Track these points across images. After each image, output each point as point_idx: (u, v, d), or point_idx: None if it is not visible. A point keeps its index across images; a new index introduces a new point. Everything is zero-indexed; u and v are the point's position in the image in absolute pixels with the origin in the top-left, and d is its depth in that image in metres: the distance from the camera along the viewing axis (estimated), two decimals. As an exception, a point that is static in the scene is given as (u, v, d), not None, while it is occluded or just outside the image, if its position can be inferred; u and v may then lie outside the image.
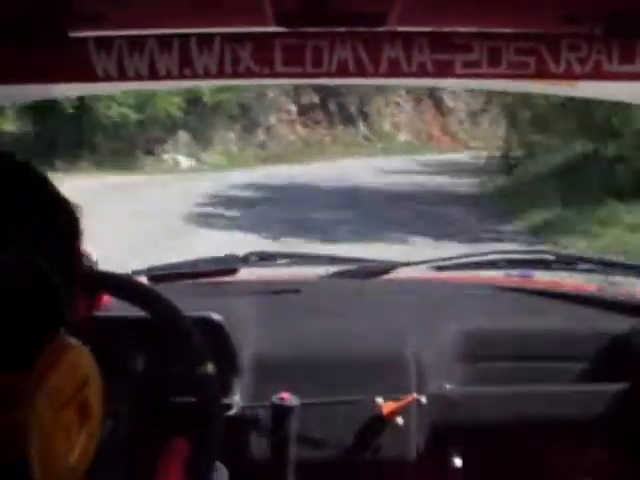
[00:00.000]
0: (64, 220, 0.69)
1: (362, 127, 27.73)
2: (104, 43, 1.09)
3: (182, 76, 1.10)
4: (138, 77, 1.10)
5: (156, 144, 19.53)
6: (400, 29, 1.10)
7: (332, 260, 1.93)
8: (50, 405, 0.59)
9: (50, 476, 0.59)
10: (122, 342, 1.35)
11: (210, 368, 1.18)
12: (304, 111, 25.26)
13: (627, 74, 1.09)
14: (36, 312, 0.60)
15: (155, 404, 1.32)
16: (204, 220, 10.53)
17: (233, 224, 10.43)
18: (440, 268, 1.88)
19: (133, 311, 1.30)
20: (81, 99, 15.14)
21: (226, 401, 1.30)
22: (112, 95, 15.46)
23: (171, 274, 1.76)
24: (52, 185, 0.69)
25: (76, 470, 0.63)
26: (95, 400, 0.65)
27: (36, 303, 0.60)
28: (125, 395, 1.26)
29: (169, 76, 1.10)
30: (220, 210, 11.70)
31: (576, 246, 8.63)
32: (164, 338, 1.27)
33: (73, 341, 0.63)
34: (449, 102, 29.77)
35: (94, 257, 1.27)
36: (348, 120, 27.09)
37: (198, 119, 20.53)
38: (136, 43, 1.09)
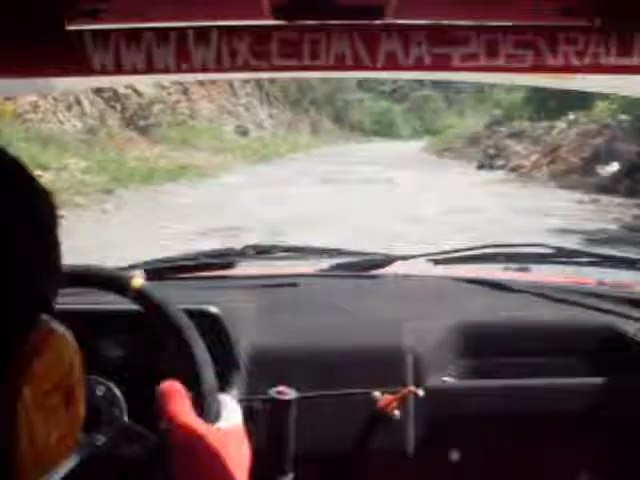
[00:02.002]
0: (41, 209, 0.67)
1: None
2: (101, 36, 1.09)
3: (179, 69, 1.10)
4: (135, 70, 1.10)
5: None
6: (398, 22, 1.10)
7: (330, 253, 1.93)
8: (35, 389, 0.61)
9: (32, 456, 0.62)
10: (101, 334, 1.37)
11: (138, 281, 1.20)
12: None
13: (625, 67, 1.09)
14: (15, 298, 0.60)
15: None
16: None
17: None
18: (438, 262, 1.88)
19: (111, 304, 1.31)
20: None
21: (223, 394, 1.30)
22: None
23: (168, 268, 1.76)
24: (26, 171, 0.66)
25: (59, 450, 0.66)
26: (78, 385, 0.67)
27: (15, 289, 0.60)
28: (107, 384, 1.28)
29: (166, 69, 1.10)
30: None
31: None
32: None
33: (58, 327, 0.64)
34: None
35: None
36: None
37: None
38: (133, 36, 1.09)
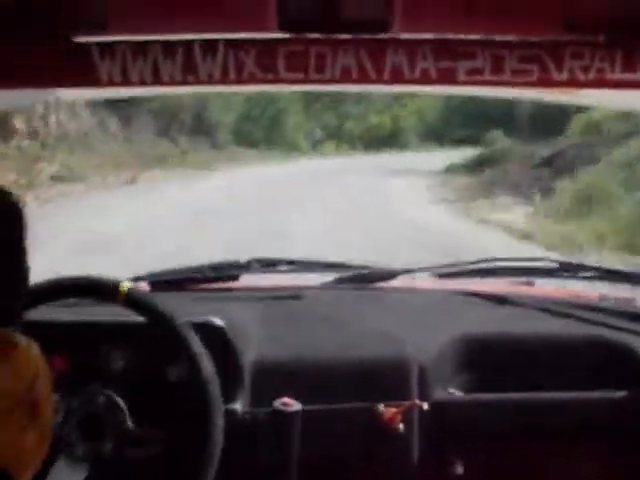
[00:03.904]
0: (5, 217, 0.66)
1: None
2: (108, 49, 1.10)
3: (186, 82, 1.10)
4: (142, 82, 1.10)
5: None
6: (403, 36, 1.10)
7: (334, 267, 1.93)
8: (1, 401, 0.59)
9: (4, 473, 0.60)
10: (110, 346, 1.37)
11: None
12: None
13: (629, 82, 1.09)
14: None
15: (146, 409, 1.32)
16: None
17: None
18: (442, 275, 1.88)
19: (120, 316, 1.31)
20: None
21: (228, 407, 1.30)
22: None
23: (173, 280, 1.76)
24: None
25: (30, 465, 0.64)
26: (45, 397, 0.65)
27: None
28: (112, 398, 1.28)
29: (173, 82, 1.10)
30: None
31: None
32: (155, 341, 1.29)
33: (21, 338, 0.63)
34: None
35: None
36: None
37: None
38: (140, 49, 1.09)
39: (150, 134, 20.33)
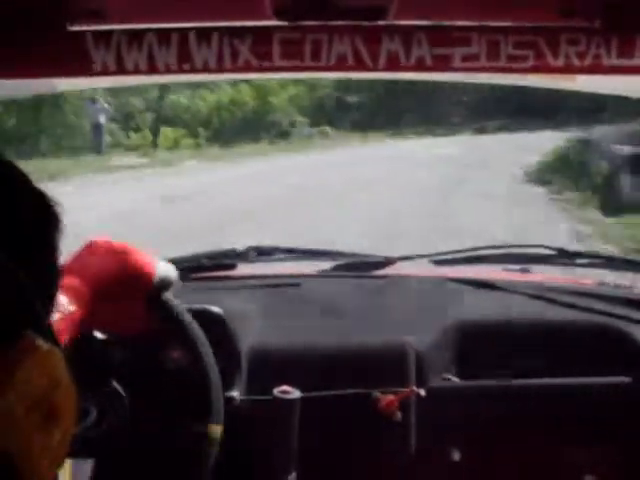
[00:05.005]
0: (33, 215, 0.62)
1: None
2: (103, 37, 1.09)
3: (181, 70, 1.10)
4: (137, 71, 1.10)
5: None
6: (399, 23, 1.10)
7: (331, 255, 1.94)
8: (19, 401, 0.57)
9: (26, 475, 0.57)
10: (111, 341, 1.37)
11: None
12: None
13: (626, 68, 1.09)
14: None
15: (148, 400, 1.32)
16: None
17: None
18: (439, 262, 1.88)
19: None
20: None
21: (227, 394, 1.31)
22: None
23: None
24: (19, 172, 0.62)
25: (52, 464, 0.61)
26: (66, 404, 0.62)
27: None
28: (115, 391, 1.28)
29: (168, 70, 1.10)
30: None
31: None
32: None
33: (43, 343, 0.61)
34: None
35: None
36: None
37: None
38: (135, 37, 1.09)
39: None
